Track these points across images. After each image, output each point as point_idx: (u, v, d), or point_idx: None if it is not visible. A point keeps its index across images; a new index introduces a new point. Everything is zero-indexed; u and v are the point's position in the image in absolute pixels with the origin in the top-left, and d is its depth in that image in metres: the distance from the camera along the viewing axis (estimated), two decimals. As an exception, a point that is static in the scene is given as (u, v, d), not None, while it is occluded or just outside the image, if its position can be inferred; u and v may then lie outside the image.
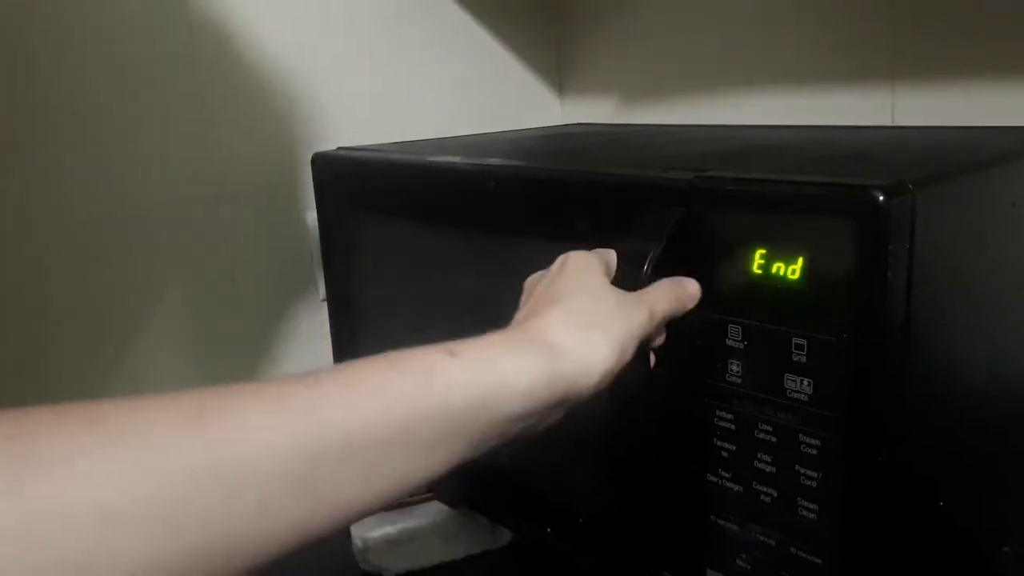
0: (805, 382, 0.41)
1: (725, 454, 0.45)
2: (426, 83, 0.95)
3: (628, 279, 0.43)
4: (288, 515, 0.31)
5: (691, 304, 0.44)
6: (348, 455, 0.32)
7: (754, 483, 0.44)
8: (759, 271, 0.42)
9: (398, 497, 0.35)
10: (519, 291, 0.46)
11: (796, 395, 0.41)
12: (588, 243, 0.46)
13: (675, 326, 0.45)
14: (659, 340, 0.45)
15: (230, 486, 0.29)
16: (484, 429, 0.36)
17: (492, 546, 0.74)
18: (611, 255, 0.45)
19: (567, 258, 0.44)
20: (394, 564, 0.72)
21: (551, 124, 1.03)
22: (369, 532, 0.72)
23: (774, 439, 0.43)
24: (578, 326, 0.40)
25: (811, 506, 0.42)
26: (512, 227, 0.57)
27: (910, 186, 0.38)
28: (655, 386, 0.46)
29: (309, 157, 0.78)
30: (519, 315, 0.43)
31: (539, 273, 0.46)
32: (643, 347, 0.42)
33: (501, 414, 0.36)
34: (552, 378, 0.38)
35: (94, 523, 0.26)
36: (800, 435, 0.41)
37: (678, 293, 0.44)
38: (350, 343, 0.77)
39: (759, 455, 0.43)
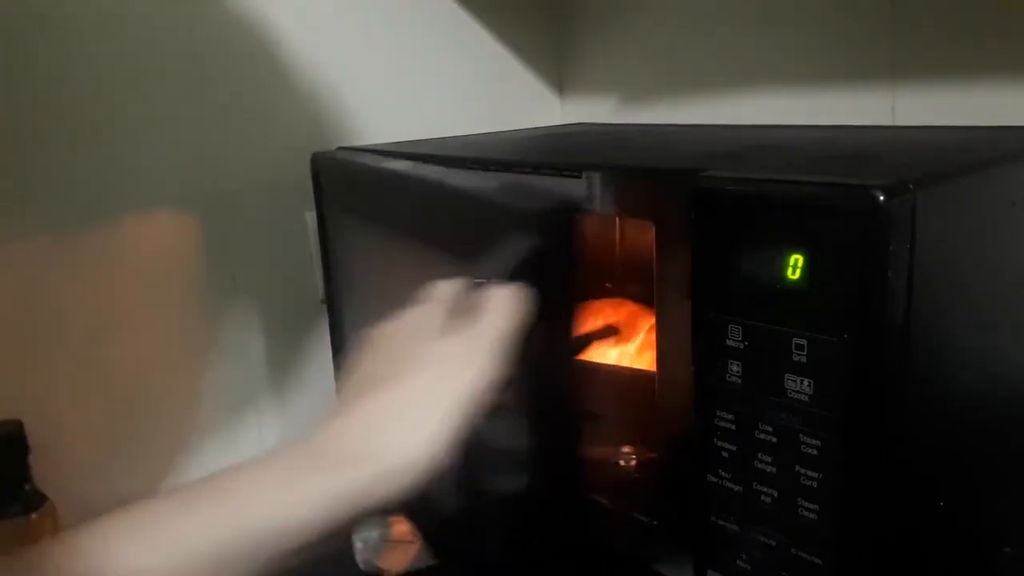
0: (805, 382, 0.41)
1: (725, 454, 0.45)
2: (426, 83, 0.95)
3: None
4: None
5: (526, 307, 0.42)
6: None
7: (754, 483, 0.44)
8: (759, 271, 0.42)
9: None
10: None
11: (796, 395, 0.41)
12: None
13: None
14: (509, 376, 0.41)
15: None
16: (283, 559, 0.36)
17: (492, 546, 0.74)
18: (456, 287, 0.43)
19: (400, 322, 0.42)
20: (394, 565, 0.72)
21: (551, 124, 1.03)
22: (369, 532, 0.72)
23: (774, 439, 0.43)
24: (389, 422, 0.37)
25: (811, 506, 0.42)
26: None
27: (910, 186, 0.38)
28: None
29: (309, 157, 0.78)
30: (341, 391, 0.41)
31: (385, 325, 0.43)
32: (496, 389, 0.39)
33: (293, 547, 0.36)
34: (352, 493, 0.36)
35: None
36: (800, 435, 0.41)
37: (514, 302, 0.42)
38: (349, 344, 0.76)
39: (759, 455, 0.43)
